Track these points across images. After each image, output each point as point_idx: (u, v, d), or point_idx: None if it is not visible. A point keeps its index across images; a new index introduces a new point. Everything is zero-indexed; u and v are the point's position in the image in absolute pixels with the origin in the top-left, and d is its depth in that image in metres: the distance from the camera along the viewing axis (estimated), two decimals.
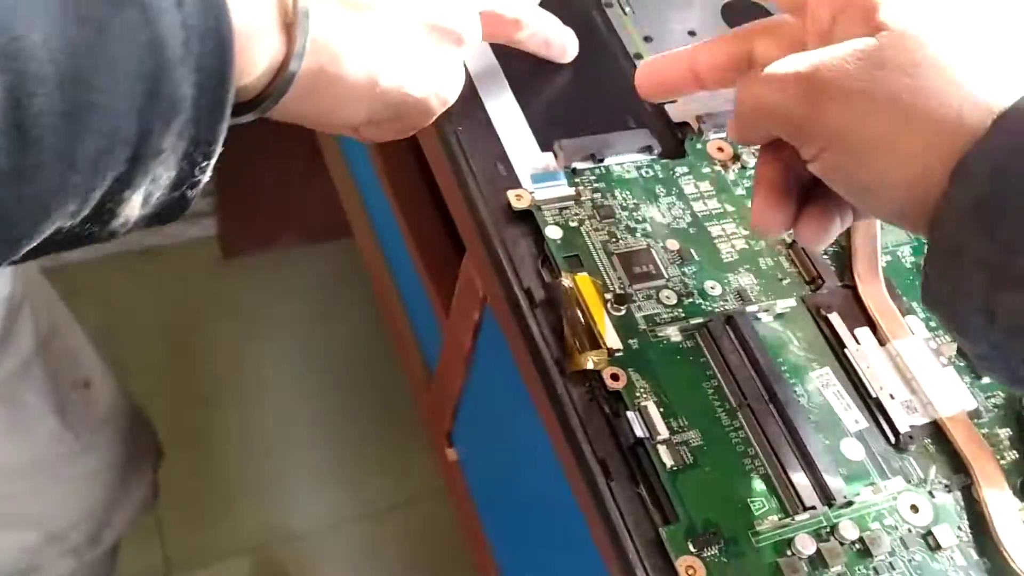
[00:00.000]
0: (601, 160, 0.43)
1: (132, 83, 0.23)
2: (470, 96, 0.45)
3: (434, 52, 0.35)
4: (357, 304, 1.21)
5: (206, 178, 0.27)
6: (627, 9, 0.51)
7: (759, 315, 0.40)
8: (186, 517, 1.07)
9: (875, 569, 0.34)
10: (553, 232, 0.40)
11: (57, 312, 0.65)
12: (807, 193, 0.34)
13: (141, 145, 0.24)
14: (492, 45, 0.47)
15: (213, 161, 0.27)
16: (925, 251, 0.29)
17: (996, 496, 0.36)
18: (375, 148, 0.60)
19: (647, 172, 0.44)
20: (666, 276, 0.40)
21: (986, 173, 0.27)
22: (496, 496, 0.54)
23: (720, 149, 0.45)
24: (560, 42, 0.45)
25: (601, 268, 0.40)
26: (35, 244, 0.25)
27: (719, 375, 0.38)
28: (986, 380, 0.40)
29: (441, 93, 0.36)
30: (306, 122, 0.34)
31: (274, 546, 1.09)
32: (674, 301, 0.39)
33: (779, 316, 0.40)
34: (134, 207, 0.26)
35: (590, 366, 0.37)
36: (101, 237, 0.27)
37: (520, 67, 0.46)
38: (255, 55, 0.28)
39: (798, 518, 0.35)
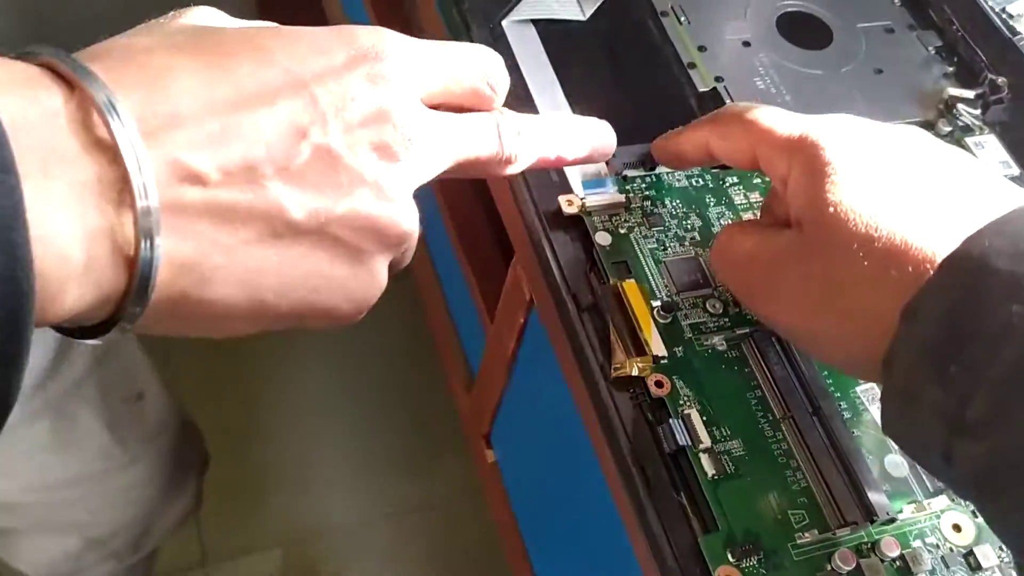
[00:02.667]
0: (652, 168, 0.43)
1: None
2: (524, 100, 0.45)
3: (344, 260, 0.28)
4: (395, 309, 1.22)
5: (2, 426, 0.22)
6: (682, 19, 0.51)
7: None
8: (224, 510, 1.09)
9: None
10: (602, 238, 0.40)
11: None
12: None
13: None
14: (547, 51, 0.48)
15: (11, 411, 0.22)
16: (881, 387, 0.30)
17: None
18: None
19: (697, 181, 0.44)
20: (713, 285, 0.40)
21: (935, 318, 0.27)
22: (534, 499, 0.55)
23: None
24: (575, 153, 0.36)
25: (649, 275, 0.40)
26: None
27: (763, 386, 0.38)
28: None
29: (357, 300, 0.29)
30: (182, 335, 0.28)
31: (305, 541, 1.11)
32: (720, 310, 0.40)
33: None
34: None
35: (635, 372, 0.37)
36: None
37: (574, 73, 0.47)
38: (79, 292, 0.22)
39: (839, 533, 0.34)
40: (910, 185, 0.31)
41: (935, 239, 0.29)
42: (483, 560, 1.10)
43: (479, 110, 0.32)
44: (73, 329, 0.25)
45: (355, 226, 0.27)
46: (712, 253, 0.37)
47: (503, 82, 0.33)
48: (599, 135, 0.37)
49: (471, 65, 0.31)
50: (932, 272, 0.28)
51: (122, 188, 0.22)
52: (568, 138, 0.36)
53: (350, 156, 0.27)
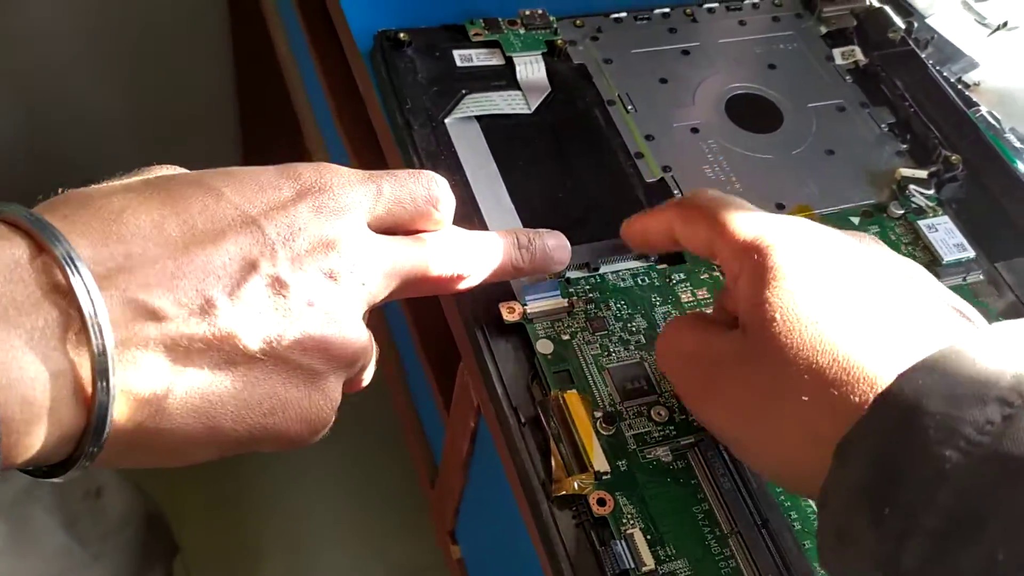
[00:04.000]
0: (596, 269, 0.43)
1: None
2: (467, 202, 0.44)
3: (298, 382, 0.29)
4: (382, 370, 1.22)
5: None
6: (629, 108, 0.50)
7: None
8: None
9: None
10: (544, 346, 0.40)
11: None
12: None
13: None
14: (490, 146, 0.47)
15: None
16: (816, 522, 0.29)
17: None
18: None
19: (643, 280, 0.43)
20: (658, 391, 0.39)
21: (868, 458, 0.26)
22: None
23: None
24: (530, 267, 0.38)
25: (592, 384, 0.39)
26: None
27: (709, 499, 0.37)
28: None
29: (311, 420, 0.30)
30: (142, 466, 0.29)
31: None
32: (666, 418, 0.39)
33: None
34: None
35: (575, 489, 0.36)
36: None
37: (518, 169, 0.46)
38: (42, 433, 0.24)
39: None
40: (859, 301, 0.31)
41: (878, 363, 0.29)
42: None
43: (428, 231, 0.34)
44: (34, 469, 0.26)
45: (307, 347, 0.29)
46: (657, 344, 0.37)
47: (448, 203, 0.35)
48: (552, 248, 0.39)
49: (414, 190, 0.33)
50: (866, 408, 0.27)
51: (79, 330, 0.24)
52: (520, 253, 0.37)
53: (299, 284, 0.28)
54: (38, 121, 1.10)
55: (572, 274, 0.42)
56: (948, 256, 0.46)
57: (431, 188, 0.34)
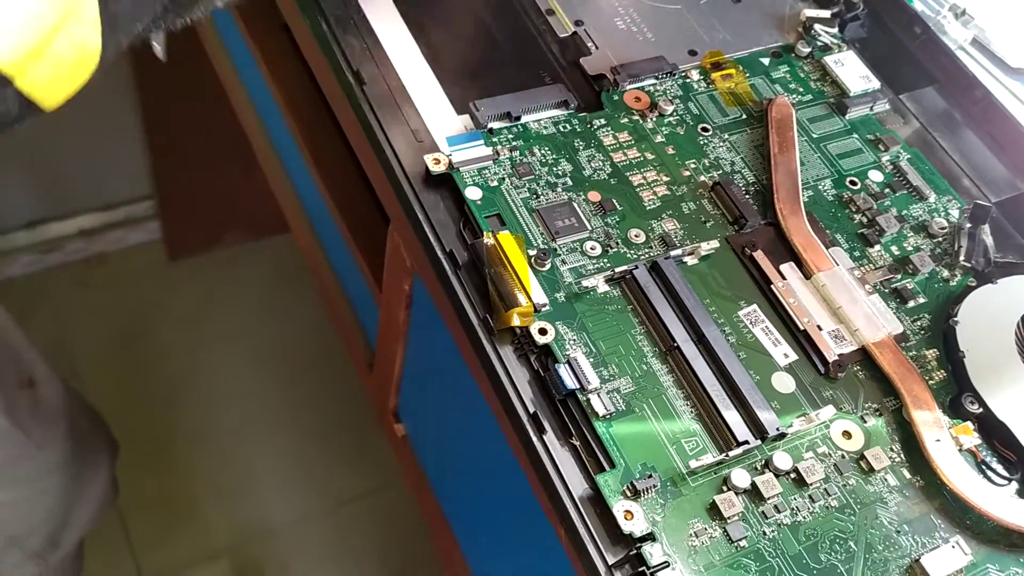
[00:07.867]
0: (518, 118, 0.43)
1: None
2: (383, 65, 0.44)
3: None
4: (308, 294, 1.20)
5: None
6: None
7: (684, 259, 0.40)
8: (155, 525, 1.06)
9: (810, 497, 0.35)
10: (473, 193, 0.40)
11: None
12: None
13: None
14: (403, 15, 0.47)
15: None
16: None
17: (925, 416, 0.36)
18: (297, 127, 0.59)
19: (565, 127, 0.43)
20: (589, 228, 0.40)
21: None
22: (446, 466, 0.54)
23: (637, 99, 0.45)
24: None
25: (523, 225, 0.40)
26: None
27: (647, 320, 0.38)
28: (912, 304, 0.40)
29: None
30: None
31: (248, 545, 1.08)
32: (599, 252, 0.39)
33: (704, 258, 0.40)
34: None
35: (516, 323, 0.36)
36: None
37: (433, 36, 0.46)
38: None
39: (732, 454, 0.35)
40: None
41: None
42: (429, 541, 1.09)
43: None
44: None
45: None
46: None
47: None
48: None
49: None
50: None
51: None
52: None
53: None
54: None
55: (495, 124, 0.42)
56: (855, 88, 0.47)
57: None
